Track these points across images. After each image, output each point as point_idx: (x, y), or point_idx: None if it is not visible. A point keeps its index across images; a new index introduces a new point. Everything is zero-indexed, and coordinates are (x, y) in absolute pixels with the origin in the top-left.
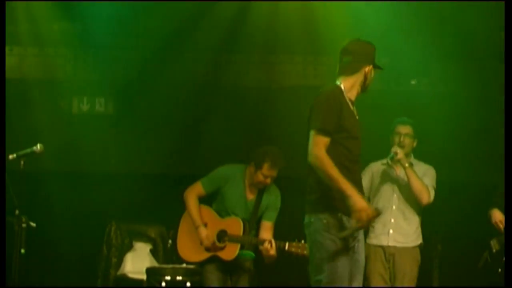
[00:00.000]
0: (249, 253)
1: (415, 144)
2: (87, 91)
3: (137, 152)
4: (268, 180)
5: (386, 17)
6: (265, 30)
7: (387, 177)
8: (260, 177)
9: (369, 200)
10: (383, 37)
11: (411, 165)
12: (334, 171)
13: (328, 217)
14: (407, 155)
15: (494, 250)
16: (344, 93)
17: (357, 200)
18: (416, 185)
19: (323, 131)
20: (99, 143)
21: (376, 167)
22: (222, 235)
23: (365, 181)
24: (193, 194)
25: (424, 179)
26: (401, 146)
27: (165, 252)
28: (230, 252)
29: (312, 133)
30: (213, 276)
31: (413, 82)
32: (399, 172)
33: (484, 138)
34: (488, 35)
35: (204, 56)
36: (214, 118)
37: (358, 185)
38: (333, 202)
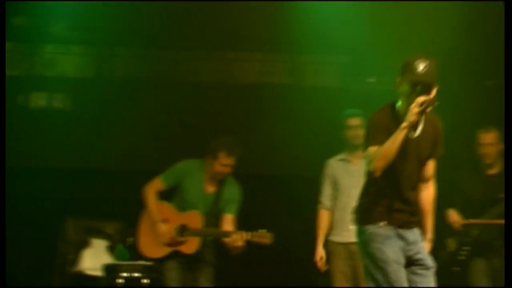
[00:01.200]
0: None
1: None
2: (45, 87)
3: (95, 148)
4: (227, 169)
5: (345, 16)
6: (225, 27)
7: (345, 172)
8: (218, 167)
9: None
10: (341, 35)
11: None
12: None
13: (372, 227)
14: (359, 147)
15: (450, 250)
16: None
17: None
18: None
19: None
20: (57, 139)
21: (334, 164)
22: (182, 230)
23: (326, 179)
24: (151, 190)
25: None
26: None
27: (124, 247)
28: (191, 245)
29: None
30: (171, 274)
31: (371, 80)
32: (357, 166)
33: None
34: (449, 35)
35: (164, 52)
36: (173, 114)
37: None
38: (374, 214)
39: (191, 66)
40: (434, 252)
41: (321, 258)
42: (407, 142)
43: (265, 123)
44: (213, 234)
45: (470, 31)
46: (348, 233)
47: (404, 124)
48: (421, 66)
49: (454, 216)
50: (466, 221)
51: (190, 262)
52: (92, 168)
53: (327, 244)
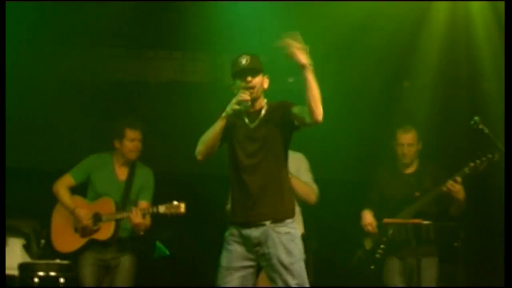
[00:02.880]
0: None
1: None
2: None
3: (9, 147)
4: (137, 144)
5: (264, 15)
6: (146, 26)
7: None
8: (127, 144)
9: None
10: (260, 35)
11: None
12: None
13: None
14: None
15: (366, 248)
16: None
17: None
18: (300, 189)
19: None
20: None
21: None
22: (95, 218)
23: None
24: (62, 185)
25: (302, 170)
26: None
27: (39, 248)
28: (105, 231)
29: None
30: (86, 270)
31: (290, 80)
32: None
33: (358, 137)
34: (365, 33)
35: (81, 50)
36: (89, 113)
37: None
38: None
39: (110, 64)
40: (351, 251)
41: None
42: (247, 132)
43: (184, 121)
44: (123, 216)
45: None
46: None
47: (223, 115)
48: (239, 62)
49: (368, 218)
50: (381, 222)
51: (106, 259)
52: (7, 167)
53: None
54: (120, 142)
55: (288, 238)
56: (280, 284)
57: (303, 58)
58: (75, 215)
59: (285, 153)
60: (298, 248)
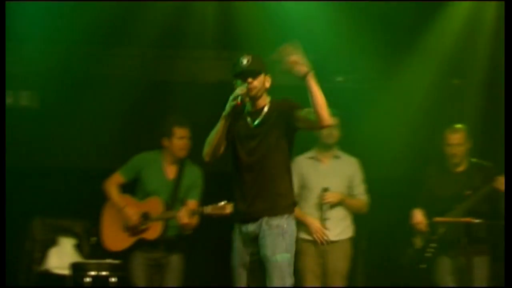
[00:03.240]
0: None
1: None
2: (11, 85)
3: (62, 147)
4: (186, 142)
5: (312, 15)
6: (194, 26)
7: (314, 171)
8: (177, 142)
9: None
10: (308, 34)
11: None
12: None
13: None
14: (331, 146)
15: (417, 247)
16: None
17: None
18: (353, 208)
19: None
20: (23, 137)
21: (302, 162)
22: (144, 217)
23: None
24: (112, 183)
25: (356, 182)
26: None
27: (90, 247)
28: (154, 231)
29: None
30: (138, 269)
31: (339, 79)
32: (326, 164)
33: (408, 135)
34: (414, 33)
35: (136, 51)
36: (138, 112)
37: None
38: None
39: (158, 64)
40: (401, 250)
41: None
42: (248, 130)
43: None
44: (170, 216)
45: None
46: None
47: (223, 114)
48: (240, 62)
49: (418, 217)
50: (432, 221)
51: (156, 258)
52: (60, 167)
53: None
54: (169, 140)
55: (276, 232)
56: (266, 277)
57: (301, 69)
58: (124, 214)
59: (287, 151)
60: (285, 243)
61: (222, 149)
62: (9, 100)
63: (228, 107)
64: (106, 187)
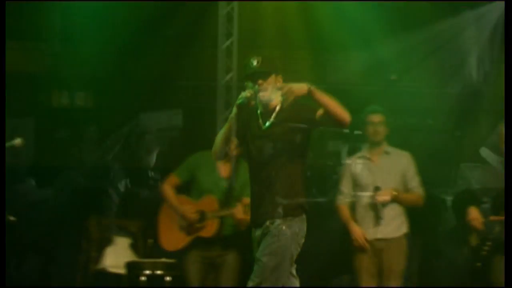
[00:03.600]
0: None
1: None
2: (66, 85)
3: (116, 147)
4: None
5: (367, 13)
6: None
7: (365, 170)
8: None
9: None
10: (363, 33)
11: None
12: None
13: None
14: (380, 143)
15: (472, 245)
16: None
17: None
18: (408, 202)
19: None
20: (79, 136)
21: (354, 162)
22: (200, 215)
23: (347, 177)
24: (168, 185)
25: (409, 175)
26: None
27: (145, 247)
28: (210, 228)
29: None
30: (193, 268)
31: (393, 77)
32: (376, 163)
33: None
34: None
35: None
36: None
37: None
38: None
39: None
40: (456, 248)
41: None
42: (259, 131)
43: None
44: (226, 213)
45: None
46: (372, 229)
47: (230, 116)
48: (250, 63)
49: (474, 213)
50: (488, 219)
51: (211, 257)
52: (112, 167)
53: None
54: None
55: (273, 233)
56: None
57: (299, 90)
58: (180, 213)
59: (299, 154)
60: (277, 245)
61: (232, 148)
62: (65, 100)
63: (234, 110)
64: (162, 189)
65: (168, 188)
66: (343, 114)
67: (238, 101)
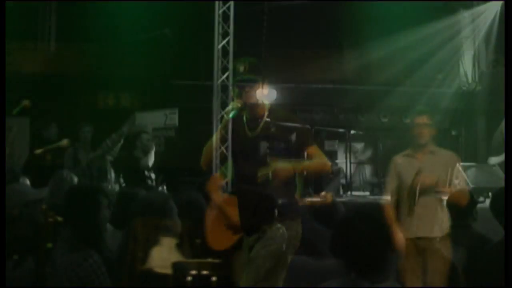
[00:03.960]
0: None
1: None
2: (112, 86)
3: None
4: None
5: (411, 13)
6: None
7: (409, 167)
8: None
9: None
10: (412, 32)
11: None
12: None
13: None
14: (425, 145)
15: None
16: None
17: None
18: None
19: None
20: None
21: (398, 160)
22: None
23: (392, 176)
24: (213, 184)
25: (454, 168)
26: None
27: (191, 247)
28: None
29: None
30: (241, 268)
31: (439, 76)
32: (421, 162)
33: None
34: None
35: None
36: None
37: None
38: None
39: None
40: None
41: None
42: (245, 140)
43: None
44: None
45: None
46: (415, 228)
47: (219, 127)
48: (237, 69)
49: None
50: None
51: None
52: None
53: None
54: None
55: (270, 235)
56: None
57: (285, 172)
58: (226, 212)
59: (292, 154)
60: (273, 248)
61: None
62: (111, 101)
63: (224, 121)
64: (207, 187)
65: (213, 188)
66: (324, 167)
67: (231, 115)
